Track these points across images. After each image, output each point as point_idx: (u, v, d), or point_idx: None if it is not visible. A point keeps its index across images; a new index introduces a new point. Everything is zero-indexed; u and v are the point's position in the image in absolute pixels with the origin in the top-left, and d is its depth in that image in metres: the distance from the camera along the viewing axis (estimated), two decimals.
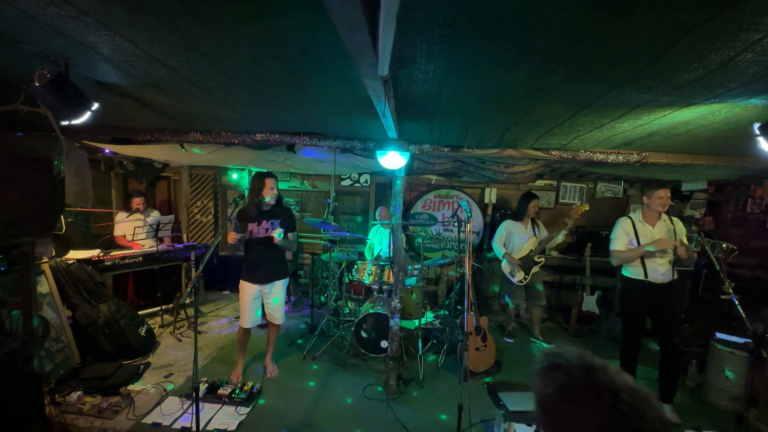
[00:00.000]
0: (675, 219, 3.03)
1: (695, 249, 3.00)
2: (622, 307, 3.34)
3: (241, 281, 3.12)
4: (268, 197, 3.00)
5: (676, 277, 2.98)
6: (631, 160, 2.88)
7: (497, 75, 1.50)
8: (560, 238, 4.05)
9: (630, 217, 3.09)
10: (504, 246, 4.13)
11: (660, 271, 2.92)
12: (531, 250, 4.05)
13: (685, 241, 2.94)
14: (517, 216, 4.16)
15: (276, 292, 3.20)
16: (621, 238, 3.04)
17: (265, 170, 3.20)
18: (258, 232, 3.05)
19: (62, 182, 2.40)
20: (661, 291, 2.93)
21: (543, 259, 4.15)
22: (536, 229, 4.15)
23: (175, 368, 3.37)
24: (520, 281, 4.06)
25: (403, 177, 3.05)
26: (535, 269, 4.09)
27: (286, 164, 4.55)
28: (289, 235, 3.10)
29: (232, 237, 2.94)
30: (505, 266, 4.12)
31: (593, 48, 1.21)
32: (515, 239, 4.11)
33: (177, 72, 1.67)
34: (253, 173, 4.00)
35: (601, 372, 0.78)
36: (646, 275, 2.94)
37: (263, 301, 3.19)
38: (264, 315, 3.26)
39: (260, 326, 3.54)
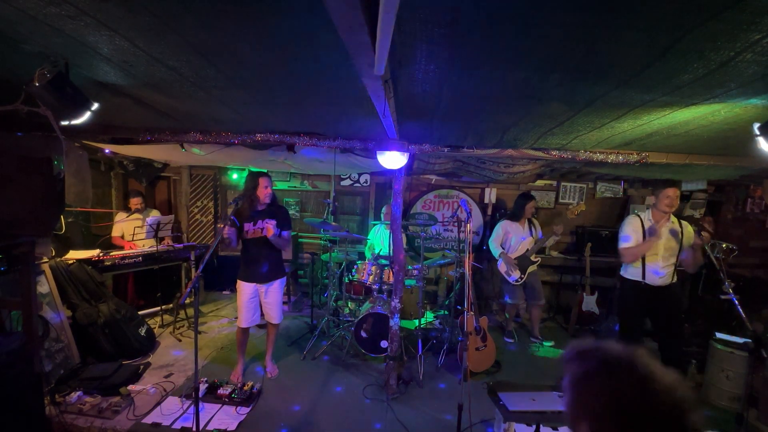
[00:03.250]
0: (684, 222, 2.97)
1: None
2: (619, 308, 3.33)
3: (238, 281, 3.13)
4: (263, 196, 3.00)
5: (675, 280, 2.95)
6: (631, 160, 2.88)
7: (497, 75, 1.50)
8: (551, 242, 4.10)
9: (639, 215, 3.02)
10: (501, 246, 4.15)
11: (659, 273, 2.89)
12: (527, 249, 4.06)
13: (690, 244, 2.86)
14: (514, 216, 4.17)
15: (273, 292, 3.20)
16: (631, 236, 2.99)
17: (261, 170, 3.18)
18: (254, 232, 3.05)
19: (62, 182, 2.40)
20: (659, 293, 2.91)
21: (539, 258, 4.16)
22: (533, 228, 4.16)
23: (175, 368, 3.37)
24: (517, 280, 4.07)
25: (403, 177, 3.05)
26: (531, 268, 4.10)
27: (286, 164, 4.55)
28: (285, 233, 3.09)
29: (226, 230, 2.90)
30: (501, 266, 4.13)
31: (593, 48, 1.21)
32: (512, 239, 4.12)
33: (177, 72, 1.67)
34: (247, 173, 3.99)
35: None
36: (643, 277, 2.93)
37: (261, 300, 3.19)
38: (262, 315, 3.27)
39: (259, 326, 3.54)
